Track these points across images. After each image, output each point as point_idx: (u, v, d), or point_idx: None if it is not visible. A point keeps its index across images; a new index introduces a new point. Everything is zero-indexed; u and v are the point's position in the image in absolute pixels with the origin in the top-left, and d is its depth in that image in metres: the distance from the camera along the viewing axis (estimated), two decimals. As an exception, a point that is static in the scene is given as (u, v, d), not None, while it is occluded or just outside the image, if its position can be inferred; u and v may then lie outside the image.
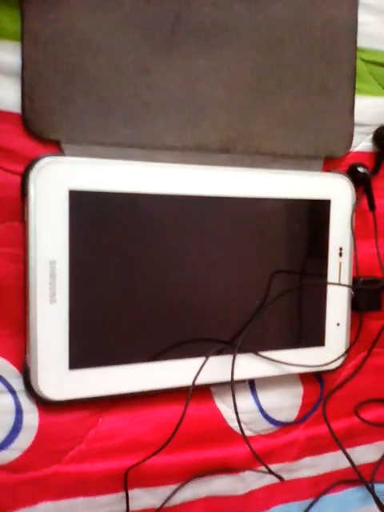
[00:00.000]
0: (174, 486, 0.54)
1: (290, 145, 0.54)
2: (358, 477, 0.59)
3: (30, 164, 0.44)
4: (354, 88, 0.56)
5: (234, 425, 0.56)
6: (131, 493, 0.52)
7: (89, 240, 0.46)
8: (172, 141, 0.49)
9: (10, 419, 0.47)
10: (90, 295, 0.46)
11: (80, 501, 0.50)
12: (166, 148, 0.49)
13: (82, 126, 0.46)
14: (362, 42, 0.56)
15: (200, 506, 0.56)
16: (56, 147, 0.46)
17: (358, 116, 0.57)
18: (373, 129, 0.58)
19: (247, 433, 0.57)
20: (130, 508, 0.52)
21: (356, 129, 0.57)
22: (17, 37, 0.44)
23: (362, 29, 0.56)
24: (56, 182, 0.44)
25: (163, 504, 0.53)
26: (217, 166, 0.50)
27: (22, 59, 0.43)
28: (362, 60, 0.56)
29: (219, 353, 0.52)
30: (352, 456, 0.62)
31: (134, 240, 0.47)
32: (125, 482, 0.50)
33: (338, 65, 0.55)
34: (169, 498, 0.53)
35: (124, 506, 0.52)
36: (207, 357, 0.51)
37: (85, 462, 0.50)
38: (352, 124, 0.56)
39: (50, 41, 0.44)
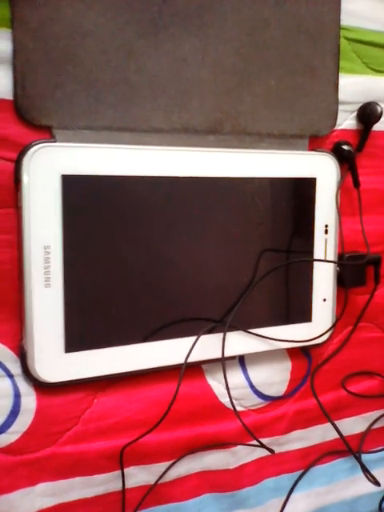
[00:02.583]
0: (168, 463, 0.55)
1: (276, 124, 0.54)
2: (346, 447, 0.60)
3: (23, 150, 0.44)
4: (338, 67, 0.56)
5: (225, 401, 0.57)
6: (127, 471, 0.53)
7: (82, 224, 0.46)
8: (160, 123, 0.49)
9: (8, 403, 0.47)
10: (84, 278, 0.47)
11: (77, 480, 0.50)
12: (154, 130, 0.49)
13: (73, 111, 0.46)
14: (345, 20, 0.56)
15: (193, 481, 0.57)
16: (48, 133, 0.46)
17: (342, 94, 0.57)
18: (356, 107, 0.58)
19: (238, 408, 0.58)
20: (126, 485, 0.53)
21: (340, 107, 0.57)
22: (8, 24, 0.43)
23: (345, 7, 0.56)
24: (48, 167, 0.44)
25: (157, 480, 0.54)
26: (205, 148, 0.50)
27: (13, 46, 0.43)
28: (346, 38, 0.57)
29: (210, 331, 0.53)
30: (340, 427, 0.63)
31: (126, 222, 0.48)
32: (120, 460, 0.51)
33: (322, 44, 0.55)
34: (163, 475, 0.54)
35: (120, 484, 0.52)
36: (198, 335, 0.51)
37: (81, 443, 0.50)
38: (336, 102, 0.57)
39: (39, 27, 0.44)
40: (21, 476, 0.48)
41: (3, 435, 0.47)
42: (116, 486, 0.53)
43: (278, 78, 0.53)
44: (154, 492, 0.54)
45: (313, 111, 0.55)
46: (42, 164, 0.44)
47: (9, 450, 0.48)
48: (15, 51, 0.43)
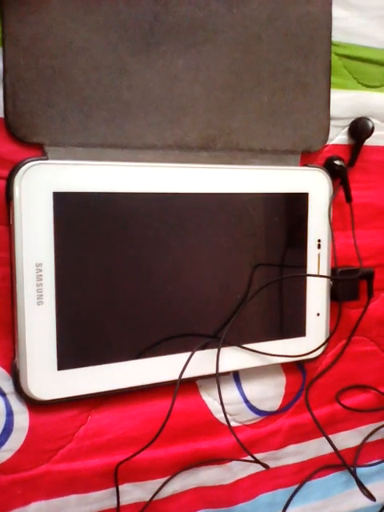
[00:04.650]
0: (163, 479, 0.54)
1: (268, 140, 0.54)
2: (341, 461, 0.60)
3: (14, 168, 0.44)
4: (330, 82, 0.57)
5: (219, 416, 0.56)
6: (121, 488, 0.52)
7: (74, 241, 0.46)
8: (153, 140, 0.49)
9: (0, 421, 0.47)
10: (77, 296, 0.47)
11: (72, 498, 0.50)
12: (147, 147, 0.49)
13: (65, 128, 0.46)
14: (336, 36, 0.57)
15: (188, 497, 0.56)
16: (39, 150, 0.46)
17: (334, 110, 0.58)
18: (348, 122, 0.59)
19: (233, 424, 0.58)
20: (121, 503, 0.52)
21: (332, 122, 0.58)
22: (-1, 42, 0.44)
23: (336, 23, 0.56)
24: (40, 184, 0.44)
25: (152, 497, 0.54)
26: (198, 164, 0.51)
27: (4, 63, 0.43)
28: (337, 54, 0.57)
29: (204, 347, 0.53)
30: (334, 442, 0.63)
31: (118, 239, 0.48)
32: (115, 477, 0.51)
33: (314, 60, 0.55)
34: (158, 491, 0.54)
35: (114, 501, 0.52)
36: (193, 351, 0.51)
37: (75, 460, 0.50)
38: (328, 118, 0.57)
39: (30, 44, 0.44)
40: (14, 495, 0.48)
41: (-4, 453, 0.47)
42: (111, 503, 0.52)
43: (270, 94, 0.54)
44: (149, 509, 0.54)
45: (305, 127, 0.56)
46: (33, 182, 0.44)
47: (1, 468, 0.47)
48: (6, 69, 0.43)
